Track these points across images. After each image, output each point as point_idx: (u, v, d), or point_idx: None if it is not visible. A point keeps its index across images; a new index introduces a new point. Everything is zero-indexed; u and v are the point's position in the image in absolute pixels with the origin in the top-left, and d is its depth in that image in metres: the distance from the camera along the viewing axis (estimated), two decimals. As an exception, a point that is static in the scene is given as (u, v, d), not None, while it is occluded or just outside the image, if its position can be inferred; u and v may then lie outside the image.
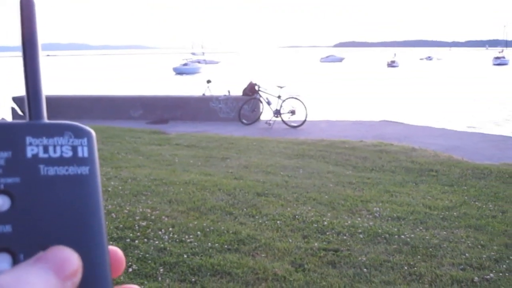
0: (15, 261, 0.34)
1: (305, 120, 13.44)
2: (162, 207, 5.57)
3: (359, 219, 5.36)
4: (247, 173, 7.40)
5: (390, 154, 8.84)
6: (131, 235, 4.70)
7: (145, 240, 4.60)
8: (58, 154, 0.37)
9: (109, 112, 15.48)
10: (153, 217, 5.21)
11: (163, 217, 5.22)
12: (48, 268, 0.33)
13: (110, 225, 4.89)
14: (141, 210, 5.42)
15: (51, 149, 0.37)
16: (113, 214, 5.22)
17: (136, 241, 4.55)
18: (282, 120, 13.81)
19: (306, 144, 10.02)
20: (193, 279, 3.85)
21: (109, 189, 6.21)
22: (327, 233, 4.89)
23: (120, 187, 6.31)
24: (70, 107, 15.34)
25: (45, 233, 0.35)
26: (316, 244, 4.60)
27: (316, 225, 5.10)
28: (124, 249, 4.32)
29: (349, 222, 5.23)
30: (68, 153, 0.38)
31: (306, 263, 4.19)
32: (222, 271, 3.99)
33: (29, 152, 0.36)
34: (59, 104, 15.96)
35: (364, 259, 4.28)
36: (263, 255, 4.34)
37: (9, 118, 16.88)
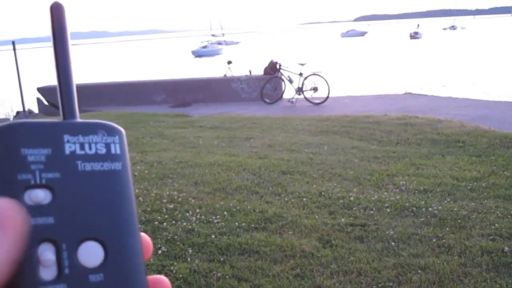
0: (58, 250, 0.36)
1: (327, 97, 13.34)
2: (188, 189, 5.62)
3: (385, 193, 5.34)
4: (272, 152, 7.41)
5: (415, 127, 8.74)
6: (159, 217, 4.76)
7: (173, 222, 4.66)
8: (93, 151, 0.40)
9: (132, 98, 15.59)
10: (180, 199, 5.26)
11: (190, 199, 5.27)
12: None
13: (138, 209, 4.96)
14: (168, 193, 5.48)
15: (86, 146, 0.40)
16: (140, 198, 5.29)
17: (164, 224, 4.61)
18: (305, 98, 13.73)
19: (329, 120, 9.96)
20: (221, 259, 3.90)
21: (136, 173, 6.29)
22: (354, 209, 4.88)
23: (146, 171, 6.38)
24: (94, 94, 15.48)
25: (84, 224, 0.38)
26: (343, 219, 4.59)
27: (342, 201, 5.09)
28: (152, 232, 4.39)
29: (375, 196, 5.20)
30: (102, 150, 0.40)
31: (333, 239, 4.20)
32: (250, 250, 4.02)
33: (67, 149, 0.39)
34: (83, 93, 16.12)
35: (392, 233, 4.27)
36: (290, 232, 4.35)
37: (35, 108, 17.14)
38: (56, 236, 0.36)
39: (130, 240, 0.39)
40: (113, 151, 0.41)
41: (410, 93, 14.88)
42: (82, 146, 0.39)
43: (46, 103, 16.38)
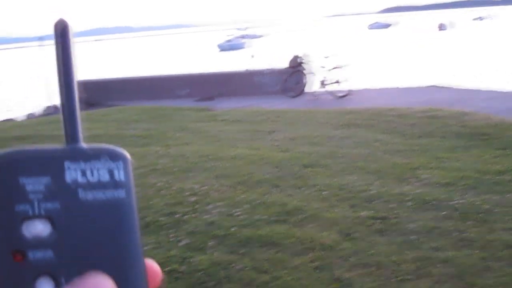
0: (57, 285, 0.35)
1: (351, 90, 13.28)
2: (210, 182, 5.67)
3: (407, 186, 5.31)
4: (294, 145, 7.42)
5: (439, 120, 8.64)
6: (181, 210, 4.82)
7: (195, 215, 4.71)
8: (95, 178, 0.38)
9: (156, 92, 15.75)
10: (201, 192, 5.32)
11: (212, 192, 5.33)
12: None
13: (160, 202, 5.04)
14: (190, 186, 5.54)
15: (88, 173, 0.38)
16: (163, 191, 5.37)
17: (186, 216, 4.67)
18: (328, 91, 13.69)
19: (352, 113, 9.91)
20: (242, 251, 3.94)
21: (159, 167, 6.37)
22: (375, 202, 4.87)
23: (169, 165, 6.46)
24: (117, 89, 15.69)
25: (85, 257, 0.37)
26: (363, 213, 4.59)
27: (363, 194, 5.09)
28: (174, 224, 4.46)
29: (397, 190, 5.18)
30: (105, 177, 0.38)
31: (353, 232, 4.20)
32: (270, 242, 4.06)
33: (68, 176, 0.37)
34: (107, 88, 16.36)
35: (413, 226, 4.26)
36: (310, 225, 4.37)
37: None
38: (55, 270, 0.36)
39: (132, 273, 0.38)
40: (116, 177, 0.39)
41: (435, 86, 14.69)
42: (83, 173, 0.38)
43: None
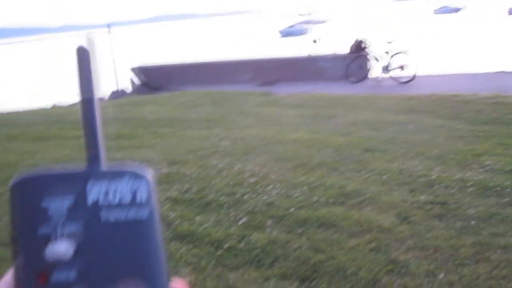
0: None
1: (414, 75, 13.01)
2: (270, 164, 5.78)
3: (469, 173, 5.22)
4: (354, 130, 7.41)
5: (507, 106, 8.37)
6: (240, 190, 4.95)
7: (254, 195, 4.84)
8: (117, 200, 0.39)
9: (218, 77, 15.99)
10: (261, 174, 5.44)
11: (271, 174, 5.43)
12: None
13: (221, 182, 5.19)
14: (250, 167, 5.67)
15: (110, 195, 0.39)
16: (224, 172, 5.52)
17: (246, 196, 4.80)
18: (391, 77, 13.47)
19: (415, 99, 9.75)
20: (299, 231, 4.02)
21: (220, 149, 6.54)
22: (435, 187, 4.83)
23: (230, 147, 6.62)
24: (180, 74, 16.04)
25: (108, 278, 0.37)
26: (422, 197, 4.57)
27: (423, 179, 5.05)
28: (234, 204, 4.60)
29: (458, 176, 5.11)
30: (127, 198, 0.39)
31: (411, 215, 4.20)
32: (327, 223, 4.12)
33: (90, 199, 0.38)
34: (170, 72, 16.75)
35: (473, 212, 4.20)
36: (368, 208, 4.40)
37: (129, 88, 17.99)
38: None
39: None
40: (138, 198, 0.39)
41: (504, 72, 14.14)
42: (105, 195, 0.39)
43: (138, 83, 17.19)
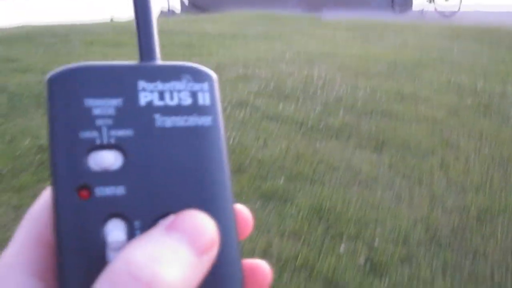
0: (130, 229, 0.29)
1: (459, 9, 13.44)
2: (333, 71, 6.62)
3: (510, 88, 6.01)
4: (404, 50, 8.16)
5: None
6: (312, 89, 5.81)
7: (325, 92, 5.71)
8: (175, 102, 0.32)
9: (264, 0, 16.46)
10: (327, 77, 6.29)
11: (336, 78, 6.28)
12: (183, 240, 0.27)
13: (294, 82, 6.05)
14: (316, 73, 6.52)
15: (167, 95, 0.32)
16: (294, 75, 6.39)
17: (318, 93, 5.67)
18: (435, 9, 13.90)
19: (459, 29, 10.37)
20: (367, 118, 4.92)
21: (286, 58, 7.38)
22: (480, 94, 5.66)
23: (294, 57, 7.45)
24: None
25: (163, 196, 0.31)
26: (469, 100, 5.42)
27: (469, 88, 5.87)
28: (309, 97, 5.49)
29: (500, 88, 5.91)
30: (187, 101, 0.33)
31: (460, 112, 5.07)
32: (390, 114, 5.00)
33: (143, 99, 0.32)
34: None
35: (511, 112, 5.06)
36: (423, 106, 5.27)
37: (177, 9, 18.64)
38: (127, 211, 0.30)
39: (221, 217, 0.31)
40: (201, 101, 0.33)
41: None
42: (161, 96, 0.32)
43: (187, 4, 17.83)
